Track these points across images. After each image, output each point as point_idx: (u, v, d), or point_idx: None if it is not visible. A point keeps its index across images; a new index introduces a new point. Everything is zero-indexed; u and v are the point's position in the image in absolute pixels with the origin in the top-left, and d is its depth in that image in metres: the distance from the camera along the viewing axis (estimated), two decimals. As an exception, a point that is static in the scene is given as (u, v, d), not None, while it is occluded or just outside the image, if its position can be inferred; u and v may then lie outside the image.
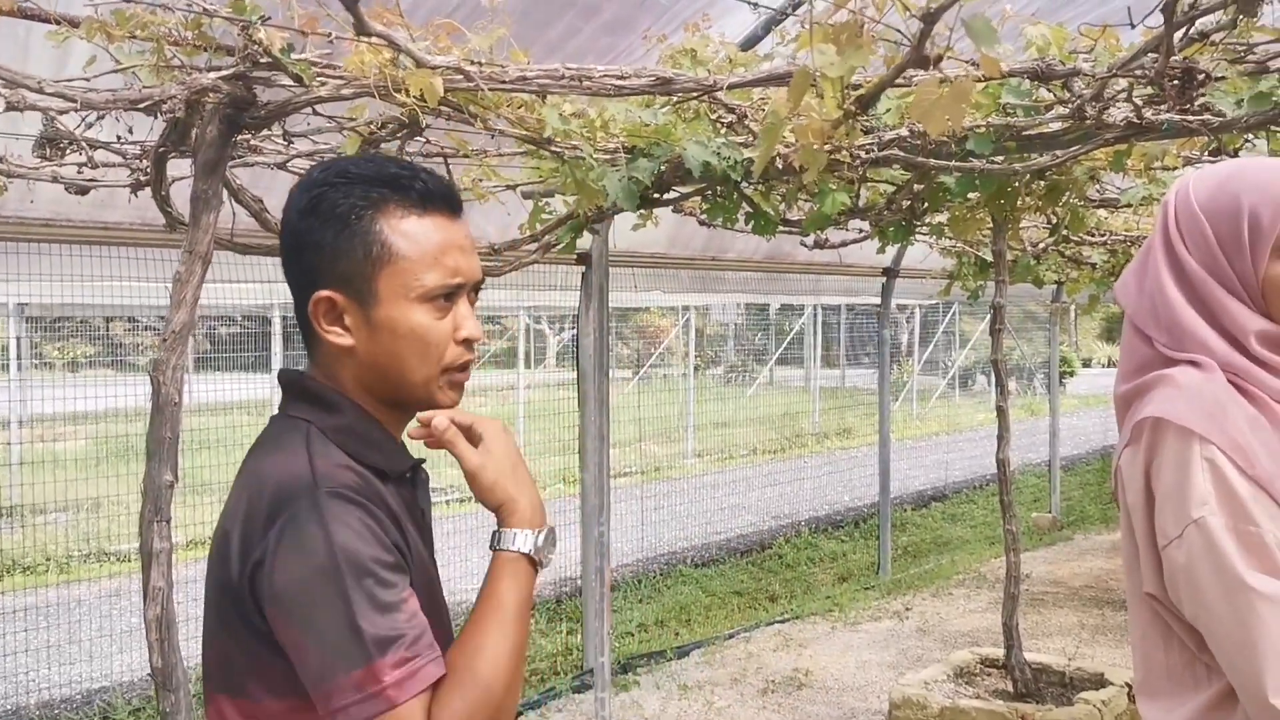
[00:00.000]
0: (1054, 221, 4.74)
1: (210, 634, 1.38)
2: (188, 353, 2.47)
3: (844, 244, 5.47)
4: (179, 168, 2.94)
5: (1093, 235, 5.87)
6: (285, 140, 2.73)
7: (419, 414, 1.47)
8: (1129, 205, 4.20)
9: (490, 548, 1.42)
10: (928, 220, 4.76)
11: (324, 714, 1.23)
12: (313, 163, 3.18)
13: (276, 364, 9.79)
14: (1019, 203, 3.97)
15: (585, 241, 4.47)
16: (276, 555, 1.25)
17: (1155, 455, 1.60)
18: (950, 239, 5.48)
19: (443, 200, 1.39)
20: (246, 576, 1.28)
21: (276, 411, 1.46)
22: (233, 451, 9.62)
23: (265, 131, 2.78)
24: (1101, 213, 5.27)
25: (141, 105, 2.24)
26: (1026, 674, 4.93)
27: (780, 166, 2.90)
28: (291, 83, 2.33)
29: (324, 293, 1.37)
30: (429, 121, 2.60)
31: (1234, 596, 1.51)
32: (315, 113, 2.61)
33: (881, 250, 5.40)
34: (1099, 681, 4.90)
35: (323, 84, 2.36)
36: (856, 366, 20.25)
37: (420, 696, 1.23)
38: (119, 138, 2.80)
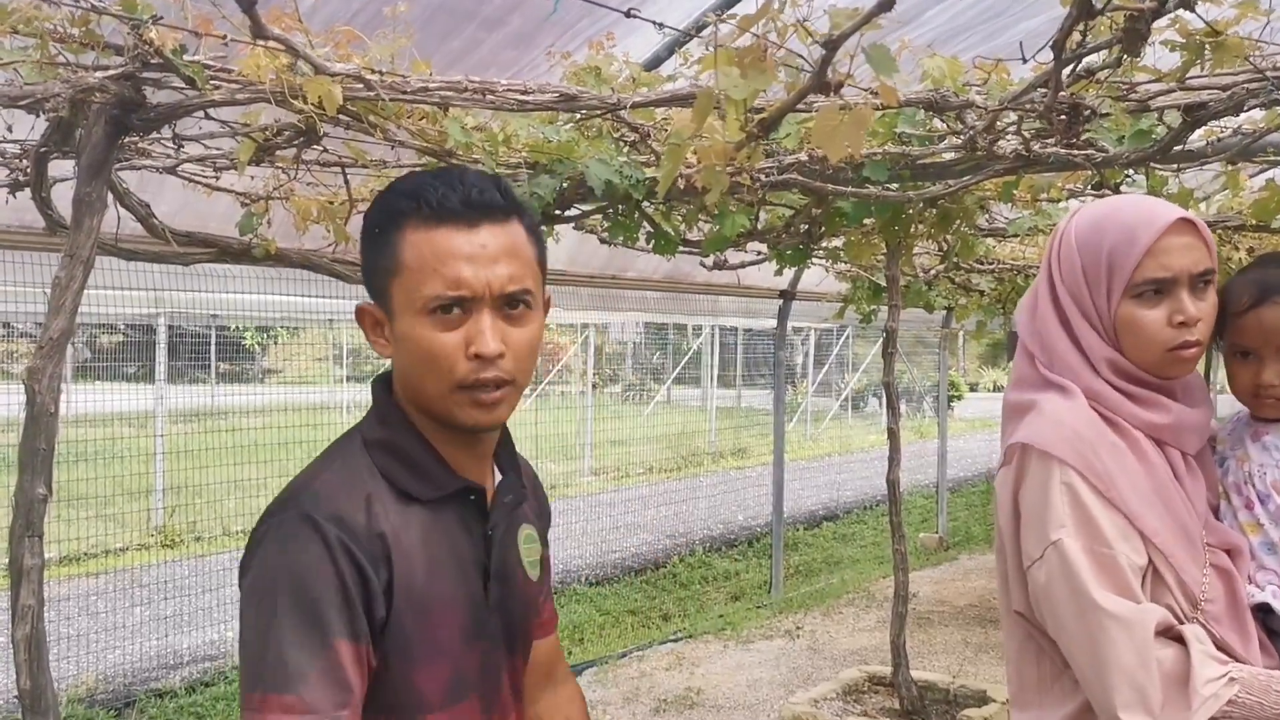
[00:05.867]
0: (945, 248, 4.88)
1: None
2: (66, 361, 2.37)
3: (742, 265, 5.54)
4: (61, 168, 2.83)
5: (982, 263, 6.06)
6: (175, 144, 2.65)
7: None
8: (1016, 235, 4.34)
9: None
10: (824, 244, 4.85)
11: None
12: (204, 167, 3.10)
13: (161, 375, 9.47)
14: (912, 229, 4.07)
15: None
16: (244, 563, 1.30)
17: (1023, 479, 1.67)
18: (845, 263, 5.59)
19: (457, 210, 1.33)
20: None
21: None
22: (111, 464, 9.28)
23: (154, 134, 2.69)
24: (990, 241, 5.44)
25: (22, 103, 2.15)
26: (913, 691, 5.02)
27: (682, 187, 2.92)
28: (183, 85, 2.26)
29: (364, 305, 1.40)
30: (327, 130, 2.55)
31: (1087, 616, 1.57)
32: (208, 116, 2.54)
33: (779, 273, 5.49)
34: (981, 698, 5.02)
35: (216, 87, 2.29)
36: (752, 387, 20.49)
37: None
38: (-3, 135, 2.68)
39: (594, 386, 16.81)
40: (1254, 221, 3.52)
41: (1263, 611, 1.69)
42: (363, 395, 18.32)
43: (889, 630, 5.18)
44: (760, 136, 1.69)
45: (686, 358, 19.85)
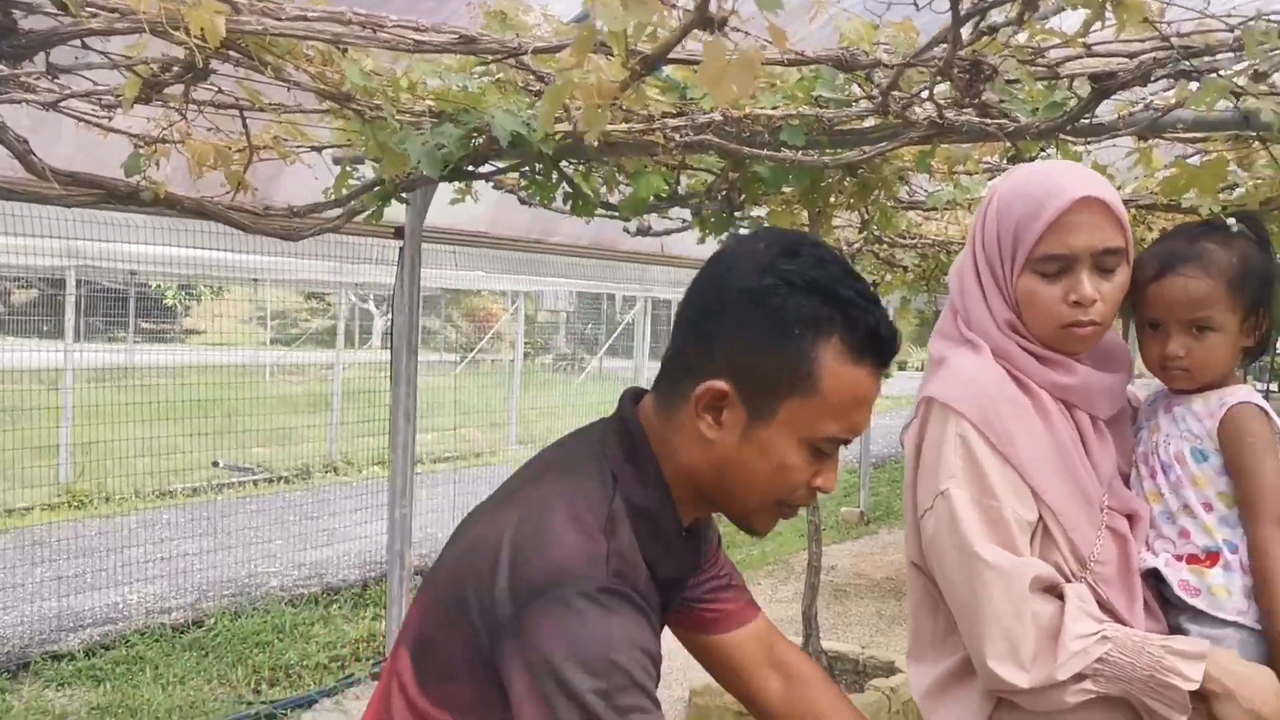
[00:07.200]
0: (865, 219, 4.85)
1: (428, 620, 1.32)
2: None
3: (666, 233, 5.47)
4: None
5: (905, 238, 6.06)
6: (50, 76, 2.51)
7: None
8: (935, 208, 4.33)
9: None
10: (748, 213, 4.80)
11: None
12: (93, 104, 2.95)
13: (70, 330, 9.16)
14: (831, 198, 4.04)
15: (401, 214, 4.31)
16: (539, 619, 1.18)
17: (925, 431, 1.68)
18: (770, 233, 5.54)
19: (882, 351, 1.29)
20: (499, 617, 1.21)
21: (604, 420, 1.40)
22: (19, 420, 8.99)
23: (31, 66, 2.54)
24: (914, 216, 5.44)
25: (-125, 20, 2.01)
26: (823, 661, 5.05)
27: (597, 144, 2.84)
28: (57, 10, 2.13)
29: (720, 384, 1.27)
30: (218, 67, 2.43)
31: (967, 565, 1.58)
32: (86, 47, 2.40)
33: (702, 241, 5.42)
34: (890, 669, 5.07)
35: (93, 15, 2.16)
36: (684, 360, 20.46)
37: None
38: None
39: (525, 356, 16.71)
40: (1165, 200, 3.53)
41: (1156, 578, 1.71)
42: (287, 357, 18.01)
43: (801, 601, 5.19)
44: (643, 74, 1.64)
45: (619, 329, 19.80)
